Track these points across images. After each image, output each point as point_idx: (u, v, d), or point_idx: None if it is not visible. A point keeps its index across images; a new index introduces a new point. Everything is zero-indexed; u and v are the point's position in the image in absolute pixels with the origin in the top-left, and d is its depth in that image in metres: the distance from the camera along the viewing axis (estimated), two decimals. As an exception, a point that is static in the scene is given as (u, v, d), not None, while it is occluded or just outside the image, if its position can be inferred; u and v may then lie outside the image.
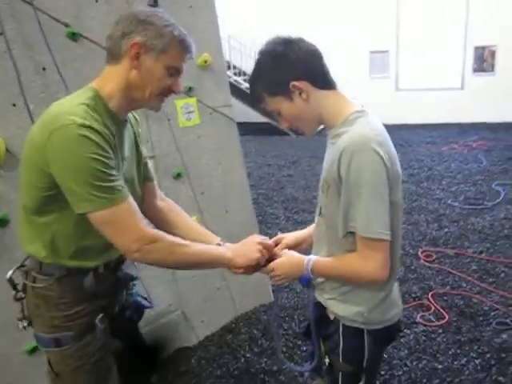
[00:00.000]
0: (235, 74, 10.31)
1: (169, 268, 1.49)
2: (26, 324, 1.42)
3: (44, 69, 2.06)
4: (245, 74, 10.49)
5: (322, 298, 1.45)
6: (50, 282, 1.33)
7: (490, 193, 5.43)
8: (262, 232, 3.35)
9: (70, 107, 1.21)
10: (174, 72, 1.31)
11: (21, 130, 2.00)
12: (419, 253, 3.93)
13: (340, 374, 1.42)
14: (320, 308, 1.47)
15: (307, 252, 1.50)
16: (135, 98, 1.31)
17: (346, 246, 1.32)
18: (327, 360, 1.45)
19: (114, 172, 1.22)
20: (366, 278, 1.28)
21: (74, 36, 2.14)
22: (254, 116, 10.33)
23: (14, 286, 1.42)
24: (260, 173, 7.07)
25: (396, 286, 1.46)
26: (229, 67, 9.79)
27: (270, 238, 1.58)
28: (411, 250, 4.01)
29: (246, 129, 9.55)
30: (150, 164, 1.67)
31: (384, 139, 1.26)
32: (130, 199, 1.26)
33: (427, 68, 10.69)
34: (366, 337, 1.37)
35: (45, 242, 1.30)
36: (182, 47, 1.30)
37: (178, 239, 1.35)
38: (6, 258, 2.01)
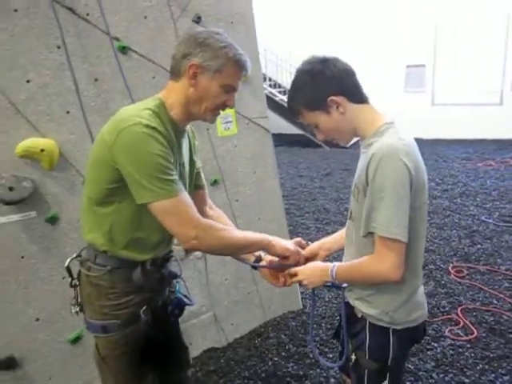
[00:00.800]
0: (270, 86, 10.46)
1: (220, 254, 1.60)
2: (78, 309, 1.54)
3: (96, 79, 2.22)
4: (280, 86, 10.65)
5: (351, 298, 1.53)
6: (102, 272, 1.45)
7: (527, 211, 5.33)
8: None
9: (137, 111, 1.35)
10: (229, 89, 1.43)
11: (73, 136, 2.17)
12: (450, 268, 3.91)
13: (365, 371, 1.48)
14: (349, 307, 1.55)
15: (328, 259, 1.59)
16: (192, 112, 1.44)
17: (369, 245, 1.39)
18: (354, 357, 1.51)
19: (173, 167, 1.35)
20: (380, 276, 1.35)
21: (123, 49, 2.30)
22: (287, 128, 10.45)
23: (70, 274, 1.56)
24: (292, 183, 7.14)
25: (421, 288, 1.52)
26: (264, 79, 9.96)
27: None
28: (442, 265, 3.99)
29: (279, 140, 9.67)
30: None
31: (411, 149, 1.34)
32: (185, 192, 1.38)
33: (464, 83, 10.56)
34: (391, 336, 1.44)
35: (104, 230, 1.43)
36: (237, 67, 1.41)
37: (224, 226, 1.49)
38: (55, 252, 2.17)
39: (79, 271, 1.54)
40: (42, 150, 2.02)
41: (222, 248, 1.47)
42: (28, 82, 2.03)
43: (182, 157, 1.49)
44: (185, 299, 1.69)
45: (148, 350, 1.55)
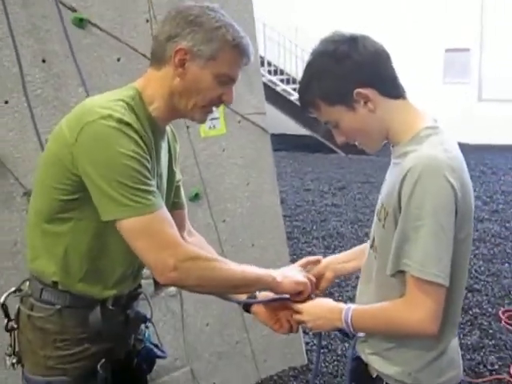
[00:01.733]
0: (270, 72, 10.52)
1: (207, 292, 1.56)
2: (14, 361, 1.52)
3: (44, 61, 2.23)
4: (282, 72, 10.73)
5: (363, 352, 1.52)
6: (50, 313, 1.44)
7: None
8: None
9: (107, 102, 1.35)
10: (226, 80, 1.42)
11: (13, 133, 2.17)
12: (500, 313, 3.92)
13: None
14: (361, 364, 1.54)
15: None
16: (177, 107, 1.44)
17: (396, 286, 1.38)
18: None
19: (150, 175, 1.33)
20: (411, 328, 1.34)
21: (80, 23, 2.32)
22: (291, 127, 10.49)
23: (7, 314, 1.54)
24: (296, 200, 7.16)
25: (455, 341, 1.50)
26: (262, 64, 10.01)
27: None
28: (490, 309, 4.00)
29: (281, 142, 9.70)
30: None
31: (458, 164, 1.33)
32: (165, 208, 1.37)
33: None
34: None
35: (56, 256, 1.42)
36: (236, 52, 1.40)
37: (219, 257, 1.47)
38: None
39: (18, 310, 1.52)
40: (-29, 152, 2.03)
41: (210, 285, 1.43)
42: (-45, 61, 2.04)
43: (160, 165, 1.49)
44: (155, 350, 1.68)
45: None
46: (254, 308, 1.64)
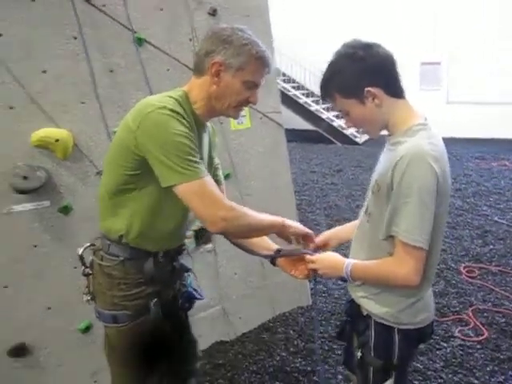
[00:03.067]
0: (284, 81, 10.42)
1: (245, 236, 1.55)
2: (89, 298, 1.55)
3: (111, 71, 2.22)
4: (294, 81, 10.60)
5: (355, 295, 1.51)
6: (115, 263, 1.46)
7: (541, 212, 5.25)
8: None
9: (161, 97, 1.37)
10: (252, 86, 1.42)
11: (88, 127, 2.17)
12: (461, 268, 3.86)
13: (371, 368, 1.47)
14: (354, 304, 1.54)
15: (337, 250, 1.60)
16: (215, 108, 1.44)
17: (385, 247, 1.37)
18: (359, 354, 1.50)
19: (196, 149, 1.34)
20: (399, 281, 1.34)
21: (139, 41, 2.30)
22: (300, 123, 10.42)
23: (83, 263, 1.56)
24: (304, 179, 7.12)
25: (430, 291, 1.50)
26: (278, 74, 9.91)
27: None
28: (453, 265, 3.95)
29: (292, 135, 9.62)
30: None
31: (441, 155, 1.31)
32: (209, 175, 1.37)
33: (480, 81, 10.41)
34: (396, 335, 1.42)
35: (122, 217, 1.43)
36: (260, 63, 1.40)
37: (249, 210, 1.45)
38: (67, 242, 2.18)
39: (92, 260, 1.54)
40: (57, 140, 2.03)
41: (247, 230, 1.44)
42: (44, 72, 2.03)
43: (202, 150, 1.48)
44: (195, 293, 1.69)
45: (157, 341, 1.55)
46: (279, 261, 1.64)
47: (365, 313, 1.49)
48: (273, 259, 1.64)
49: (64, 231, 2.17)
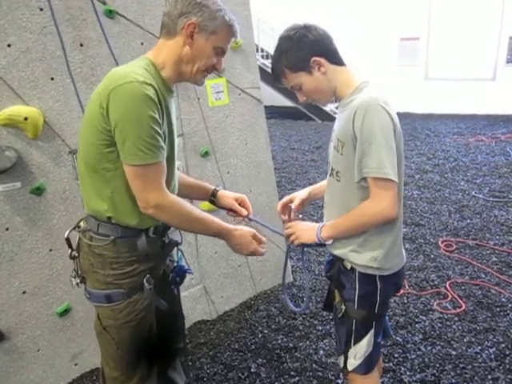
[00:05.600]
0: (263, 57, 10.25)
1: (176, 227, 1.55)
2: (78, 281, 1.51)
3: (82, 45, 2.12)
4: (273, 57, 10.44)
5: (339, 251, 1.59)
6: (106, 242, 1.43)
7: (516, 186, 5.34)
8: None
9: (133, 68, 1.33)
10: (220, 52, 1.45)
11: (59, 104, 2.08)
12: (439, 242, 3.91)
13: (353, 321, 1.58)
14: (337, 262, 1.63)
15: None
16: (183, 71, 1.43)
17: (358, 194, 1.47)
18: (343, 307, 1.60)
19: (162, 133, 1.33)
20: (379, 216, 1.43)
21: (110, 14, 2.19)
22: (280, 100, 10.31)
23: (70, 245, 1.53)
24: (284, 156, 7.08)
25: (401, 236, 1.61)
26: (257, 50, 9.74)
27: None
28: (431, 239, 4.00)
29: (271, 112, 9.57)
30: (180, 141, 1.75)
31: (388, 101, 1.43)
32: (164, 163, 1.37)
33: (458, 57, 10.44)
34: (378, 282, 1.55)
35: (106, 196, 1.40)
36: (230, 31, 1.44)
37: (195, 209, 1.46)
38: (41, 224, 2.11)
39: (78, 242, 1.51)
40: (26, 119, 1.94)
41: (178, 221, 1.45)
42: (9, 46, 1.92)
43: (170, 116, 1.45)
44: (186, 267, 1.68)
45: (151, 319, 1.53)
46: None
47: (349, 266, 1.57)
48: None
49: (38, 213, 2.10)
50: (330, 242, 1.58)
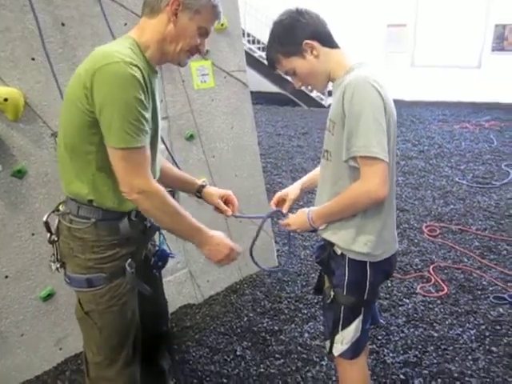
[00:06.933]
0: (249, 41, 10.16)
1: (155, 218, 1.44)
2: (58, 266, 1.48)
3: (63, 24, 2.07)
4: (259, 42, 10.35)
5: (330, 236, 1.58)
6: (87, 225, 1.39)
7: (499, 173, 5.41)
8: (269, 200, 3.38)
9: (117, 47, 1.29)
10: (204, 32, 1.42)
11: (39, 85, 2.03)
12: (423, 227, 3.96)
13: (342, 308, 1.57)
14: (327, 247, 1.62)
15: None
16: (167, 51, 1.39)
17: (349, 174, 1.45)
18: (332, 293, 1.59)
19: (147, 117, 1.30)
20: (368, 195, 1.39)
21: (92, -8, 2.14)
22: (266, 86, 10.25)
23: (49, 229, 1.48)
24: (270, 142, 7.07)
25: (393, 221, 1.61)
26: (243, 34, 9.63)
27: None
28: (416, 224, 4.05)
29: (258, 98, 9.51)
30: (165, 125, 1.72)
31: (380, 80, 1.41)
32: (148, 148, 1.33)
33: (445, 45, 10.46)
34: (368, 269, 1.54)
35: (87, 180, 1.36)
36: (214, 12, 1.41)
37: (177, 204, 1.40)
38: (23, 208, 2.08)
39: (57, 226, 1.47)
40: (6, 100, 1.90)
41: (160, 213, 1.37)
42: (-13, 24, 1.87)
43: (154, 97, 1.42)
44: (168, 251, 1.67)
45: (133, 303, 1.52)
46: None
47: (339, 252, 1.56)
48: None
49: (19, 196, 2.06)
50: (323, 226, 1.57)
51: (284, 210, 1.76)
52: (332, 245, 1.58)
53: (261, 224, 1.78)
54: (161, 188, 1.35)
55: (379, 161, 1.35)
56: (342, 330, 1.59)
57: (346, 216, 1.51)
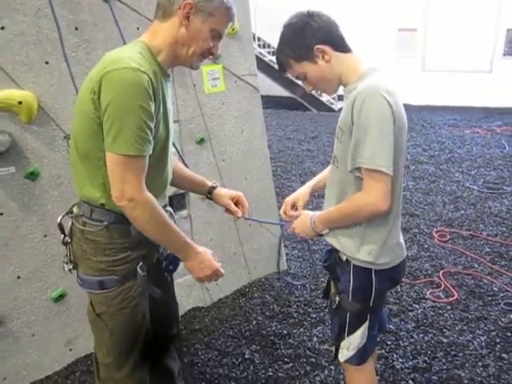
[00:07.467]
0: (260, 46, 10.19)
1: (143, 229, 1.39)
2: (71, 267, 1.49)
3: (77, 28, 2.09)
4: (269, 46, 10.37)
5: (335, 243, 1.57)
6: (99, 228, 1.40)
7: (511, 178, 5.35)
8: (278, 203, 3.38)
9: (128, 53, 1.29)
10: (217, 35, 1.40)
11: (53, 88, 2.06)
12: (433, 232, 3.94)
13: (348, 314, 1.56)
14: (333, 253, 1.61)
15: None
16: (179, 54, 1.38)
17: (355, 183, 1.44)
18: (337, 298, 1.58)
19: (151, 127, 1.28)
20: (369, 207, 1.39)
21: (106, -3, 2.16)
22: (276, 90, 10.27)
23: (63, 231, 1.49)
24: (280, 146, 7.07)
25: (397, 230, 1.58)
26: (254, 39, 9.66)
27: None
28: (426, 229, 4.02)
29: (268, 102, 9.52)
30: (176, 128, 1.72)
31: (392, 89, 1.39)
32: (147, 160, 1.32)
33: (456, 49, 10.40)
34: (373, 276, 1.52)
35: (98, 183, 1.37)
36: (228, 14, 1.39)
37: (167, 216, 1.39)
38: (35, 209, 2.10)
39: (71, 228, 1.48)
40: (20, 103, 1.92)
41: (152, 225, 1.36)
42: (2, 28, 1.90)
43: (166, 101, 1.42)
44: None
45: (144, 306, 1.53)
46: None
47: (344, 258, 1.55)
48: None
49: (32, 198, 2.09)
50: (325, 231, 1.57)
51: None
52: (337, 250, 1.58)
53: (279, 248, 1.83)
54: (152, 198, 1.33)
55: (383, 174, 1.34)
56: (347, 336, 1.58)
57: (346, 224, 1.50)
